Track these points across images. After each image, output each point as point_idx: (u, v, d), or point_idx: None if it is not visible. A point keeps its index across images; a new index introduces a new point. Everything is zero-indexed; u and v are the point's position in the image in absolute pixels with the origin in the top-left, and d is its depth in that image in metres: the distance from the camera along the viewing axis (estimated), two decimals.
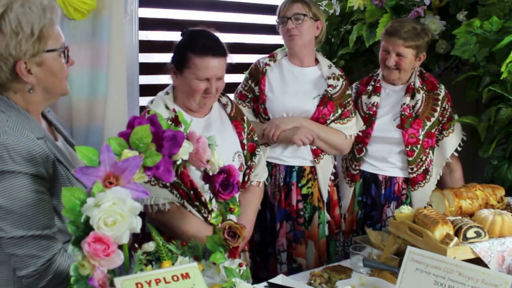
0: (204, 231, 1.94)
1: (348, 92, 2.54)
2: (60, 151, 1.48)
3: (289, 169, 2.49)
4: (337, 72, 2.53)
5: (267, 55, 2.59)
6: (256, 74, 2.52)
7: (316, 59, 2.56)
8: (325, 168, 2.53)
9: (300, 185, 2.49)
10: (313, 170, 2.50)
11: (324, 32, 2.53)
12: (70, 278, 1.11)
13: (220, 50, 1.99)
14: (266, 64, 2.52)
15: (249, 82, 2.54)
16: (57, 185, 1.41)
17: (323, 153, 2.50)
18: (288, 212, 2.50)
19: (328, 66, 2.54)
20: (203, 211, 2.00)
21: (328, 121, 2.47)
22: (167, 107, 2.03)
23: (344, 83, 2.52)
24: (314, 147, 2.47)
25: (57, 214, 1.41)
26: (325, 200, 2.53)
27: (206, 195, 2.00)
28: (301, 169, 2.49)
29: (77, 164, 1.53)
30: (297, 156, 2.48)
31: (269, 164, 2.47)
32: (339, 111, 2.48)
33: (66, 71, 1.48)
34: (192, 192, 1.96)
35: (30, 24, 1.36)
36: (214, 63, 1.95)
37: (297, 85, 2.48)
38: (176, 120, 1.99)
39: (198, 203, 1.98)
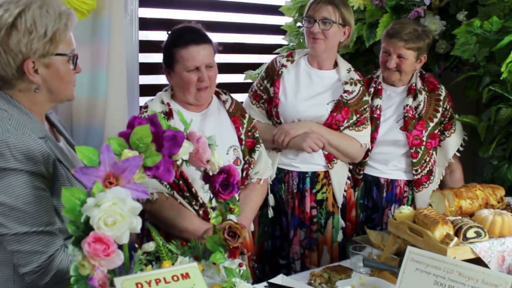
0: (196, 223, 1.95)
1: (365, 98, 2.45)
2: (61, 151, 1.49)
3: (302, 175, 2.44)
4: (356, 76, 2.45)
5: (285, 54, 2.53)
6: (272, 74, 2.46)
7: (336, 61, 2.48)
8: (340, 173, 2.47)
9: (314, 190, 2.44)
10: (327, 175, 2.45)
11: (350, 37, 2.43)
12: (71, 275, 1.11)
13: (202, 38, 2.02)
14: (283, 65, 2.45)
15: (265, 82, 2.48)
16: (57, 184, 1.42)
17: (336, 158, 2.45)
18: (302, 219, 2.45)
19: (347, 70, 2.45)
20: (194, 203, 1.99)
21: (342, 128, 2.41)
22: (162, 102, 2.05)
23: (361, 88, 2.44)
24: (326, 152, 2.42)
25: (56, 214, 1.42)
26: (340, 205, 2.48)
27: (206, 195, 2.00)
28: (314, 175, 2.44)
29: (78, 164, 1.53)
30: (309, 162, 2.43)
31: (281, 171, 2.44)
32: (354, 118, 2.41)
33: (72, 77, 1.50)
34: (181, 182, 1.96)
35: (44, 25, 1.39)
36: (199, 51, 1.98)
37: (312, 90, 2.42)
38: (169, 114, 2.01)
39: (188, 194, 1.98)
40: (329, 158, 2.43)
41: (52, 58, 1.42)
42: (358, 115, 2.42)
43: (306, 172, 2.44)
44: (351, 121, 2.41)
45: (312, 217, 2.45)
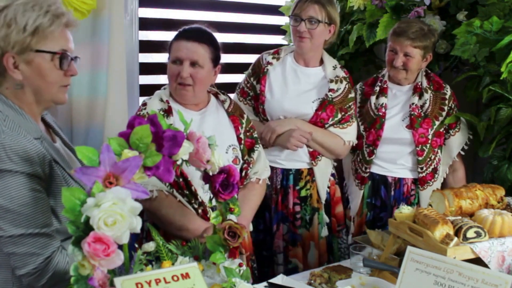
0: (196, 222, 1.94)
1: (351, 95, 2.49)
2: (57, 152, 1.48)
3: (286, 172, 2.48)
4: (341, 74, 2.48)
5: (272, 51, 2.55)
6: (258, 72, 2.49)
7: (322, 59, 2.51)
8: (324, 170, 2.51)
9: (298, 187, 2.48)
10: (311, 172, 2.49)
11: (335, 35, 2.47)
12: (69, 276, 1.11)
13: (196, 36, 2.01)
14: (268, 62, 2.48)
15: (251, 79, 2.51)
16: (54, 185, 1.42)
17: (321, 155, 2.49)
18: (285, 214, 2.49)
19: (333, 67, 2.49)
20: (193, 202, 1.99)
21: (327, 125, 2.45)
22: (161, 100, 2.05)
23: (347, 86, 2.47)
24: (311, 149, 2.46)
25: (53, 214, 1.41)
26: (323, 201, 2.52)
27: (206, 195, 2.00)
28: (298, 172, 2.48)
29: (75, 165, 1.53)
30: (294, 159, 2.47)
31: None
32: (339, 116, 2.45)
33: (59, 77, 1.45)
34: (181, 180, 1.96)
35: (25, 19, 1.37)
36: (187, 45, 1.98)
37: (298, 87, 2.45)
38: (168, 111, 2.01)
39: (187, 193, 1.98)
40: (314, 156, 2.47)
41: (31, 54, 1.39)
42: (343, 113, 2.46)
43: (290, 169, 2.48)
44: (336, 119, 2.45)
45: (295, 213, 2.48)
